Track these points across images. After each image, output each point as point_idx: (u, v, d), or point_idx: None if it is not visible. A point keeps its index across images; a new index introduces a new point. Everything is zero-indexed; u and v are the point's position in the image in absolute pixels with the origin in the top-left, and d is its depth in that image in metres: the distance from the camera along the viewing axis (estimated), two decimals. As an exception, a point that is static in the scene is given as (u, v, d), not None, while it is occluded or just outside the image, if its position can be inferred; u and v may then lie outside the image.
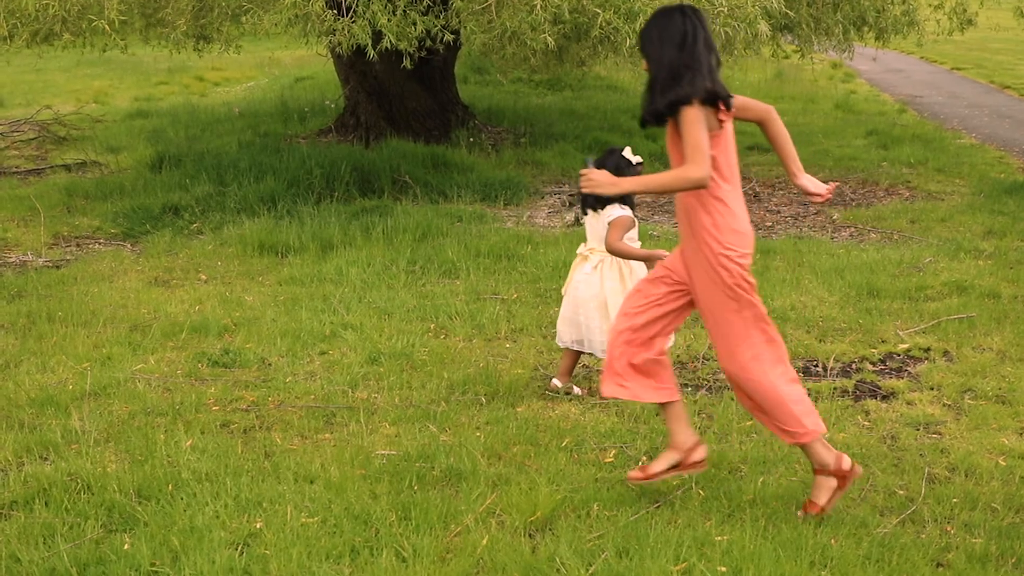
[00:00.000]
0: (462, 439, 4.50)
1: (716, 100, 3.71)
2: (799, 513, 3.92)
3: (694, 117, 3.65)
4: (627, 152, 5.06)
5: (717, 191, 3.78)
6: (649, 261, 5.03)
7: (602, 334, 5.02)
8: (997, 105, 16.98)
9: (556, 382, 5.20)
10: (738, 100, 3.88)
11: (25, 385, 5.08)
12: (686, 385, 5.29)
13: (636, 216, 5.11)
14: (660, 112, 3.73)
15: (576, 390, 5.20)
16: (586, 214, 5.13)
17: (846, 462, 3.92)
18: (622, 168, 4.99)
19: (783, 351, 4.00)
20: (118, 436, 4.51)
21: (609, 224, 5.01)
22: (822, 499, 3.91)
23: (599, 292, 5.10)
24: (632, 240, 5.06)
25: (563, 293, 5.28)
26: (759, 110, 4.03)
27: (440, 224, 8.23)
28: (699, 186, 3.70)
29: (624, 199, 5.03)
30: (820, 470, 3.93)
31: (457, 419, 4.77)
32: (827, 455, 3.93)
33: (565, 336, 5.22)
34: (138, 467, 4.17)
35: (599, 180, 3.82)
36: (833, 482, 3.91)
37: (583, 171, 3.88)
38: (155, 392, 5.05)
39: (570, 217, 9.08)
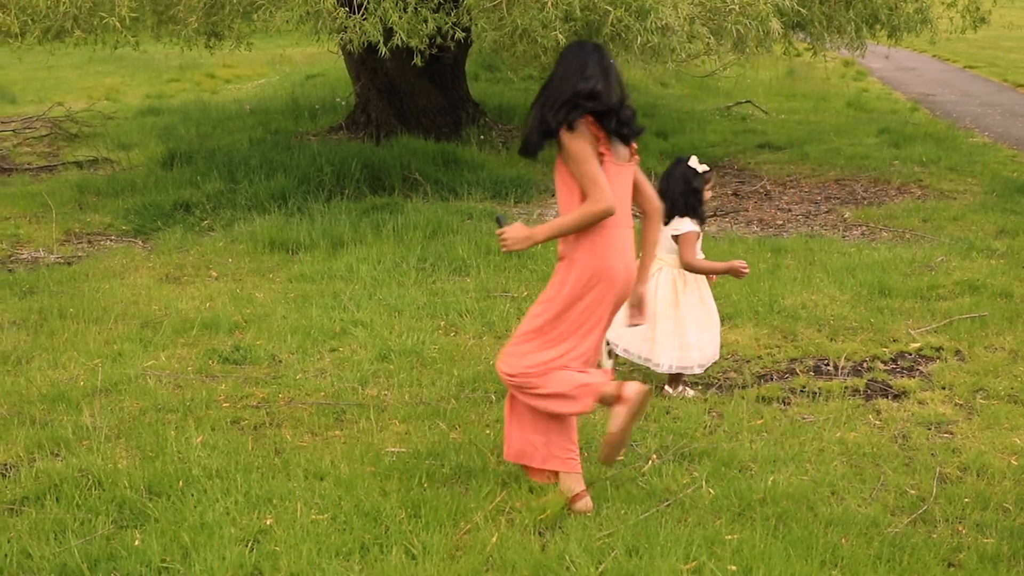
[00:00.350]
0: (472, 437, 4.50)
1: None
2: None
3: (583, 152, 3.67)
4: (693, 161, 5.03)
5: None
6: (731, 273, 5.03)
7: (644, 342, 5.06)
8: (1010, 103, 16.90)
9: (668, 389, 5.18)
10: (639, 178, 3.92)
11: (37, 381, 5.10)
12: (696, 383, 5.28)
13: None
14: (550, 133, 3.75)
15: (689, 392, 5.16)
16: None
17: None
18: (688, 179, 4.99)
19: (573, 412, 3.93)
20: (129, 432, 4.52)
21: (678, 241, 5.02)
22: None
23: (675, 305, 5.06)
24: (698, 252, 5.08)
25: None
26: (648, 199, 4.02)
27: (450, 221, 8.23)
28: (607, 216, 3.72)
29: (699, 208, 5.01)
30: None
31: (467, 416, 4.77)
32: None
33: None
34: (149, 463, 4.18)
35: (514, 238, 3.80)
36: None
37: (498, 232, 3.85)
38: (166, 389, 5.06)
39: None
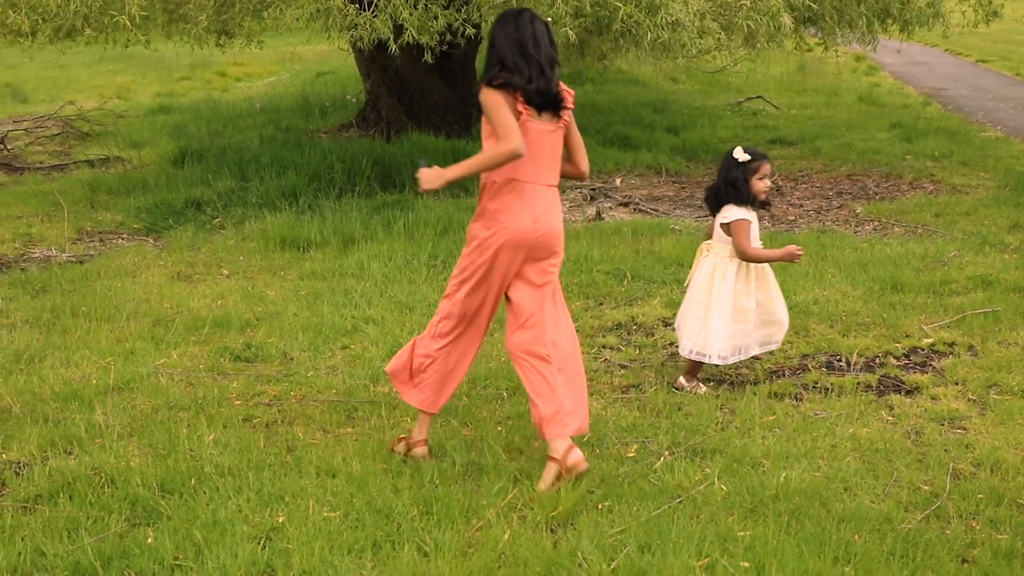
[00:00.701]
0: (483, 433, 4.50)
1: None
2: None
3: (494, 101, 3.91)
4: (737, 151, 5.03)
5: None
6: (786, 259, 5.02)
7: (700, 335, 5.06)
8: (1023, 97, 16.82)
9: (682, 380, 5.16)
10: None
11: (49, 380, 5.11)
12: (708, 379, 5.27)
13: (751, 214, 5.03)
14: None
15: (702, 388, 5.13)
16: (712, 215, 5.13)
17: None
18: (729, 167, 4.98)
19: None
20: (141, 430, 4.53)
21: (730, 229, 5.00)
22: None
23: (708, 292, 5.08)
24: (755, 240, 5.05)
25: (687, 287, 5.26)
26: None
27: (461, 218, 8.22)
28: (515, 156, 3.89)
29: (742, 197, 4.98)
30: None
31: (479, 413, 4.77)
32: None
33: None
34: (161, 461, 4.19)
35: (427, 177, 4.03)
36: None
37: (416, 174, 4.06)
38: (178, 386, 5.07)
39: (591, 211, 9.06)
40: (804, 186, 10.38)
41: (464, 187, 9.56)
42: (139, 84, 18.59)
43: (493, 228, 4.08)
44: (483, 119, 4.01)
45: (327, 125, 12.86)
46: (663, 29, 6.98)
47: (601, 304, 6.48)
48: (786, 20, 7.40)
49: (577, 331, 5.83)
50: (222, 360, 5.46)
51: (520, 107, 3.98)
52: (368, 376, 5.22)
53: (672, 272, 7.00)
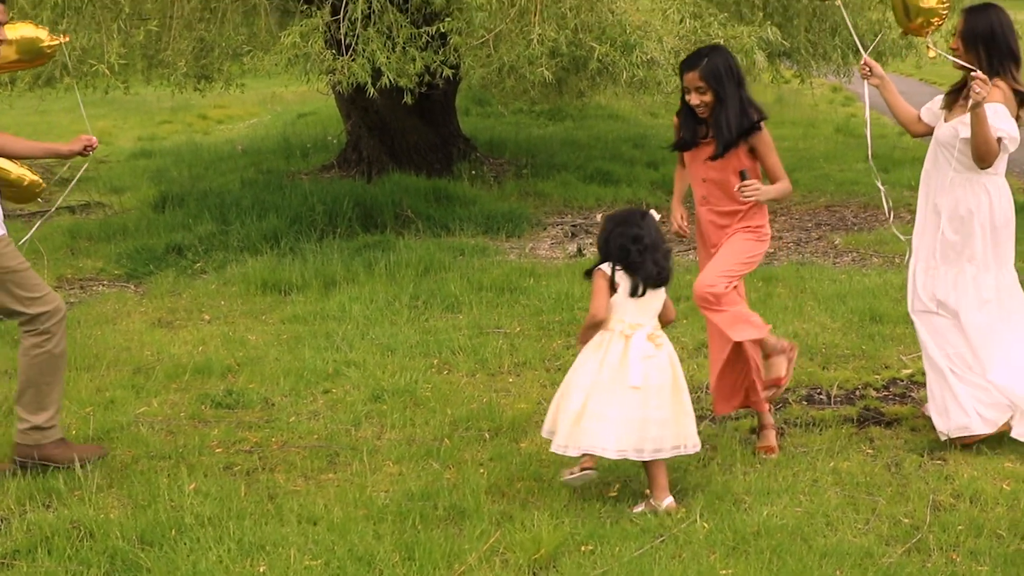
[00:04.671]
0: (465, 476, 4.49)
1: None
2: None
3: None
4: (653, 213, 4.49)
5: None
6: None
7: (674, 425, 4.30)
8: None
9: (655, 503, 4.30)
10: None
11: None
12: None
13: None
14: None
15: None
16: (643, 293, 4.30)
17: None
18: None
19: None
20: (121, 481, 4.51)
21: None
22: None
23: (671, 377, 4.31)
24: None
25: (596, 385, 4.25)
26: None
27: (442, 258, 8.24)
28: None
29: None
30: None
31: (460, 456, 4.76)
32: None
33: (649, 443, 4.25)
34: (141, 513, 4.17)
35: (759, 190, 4.63)
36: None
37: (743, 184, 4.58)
38: (158, 435, 5.05)
39: (572, 248, 9.09)
40: (783, 218, 10.44)
41: (446, 226, 9.58)
42: (120, 128, 18.61)
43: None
44: (756, 154, 4.69)
45: (308, 166, 12.89)
46: (639, 68, 7.05)
47: (582, 342, 6.49)
48: (759, 58, 7.50)
49: (559, 369, 5.86)
50: (203, 407, 5.45)
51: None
52: (350, 420, 5.22)
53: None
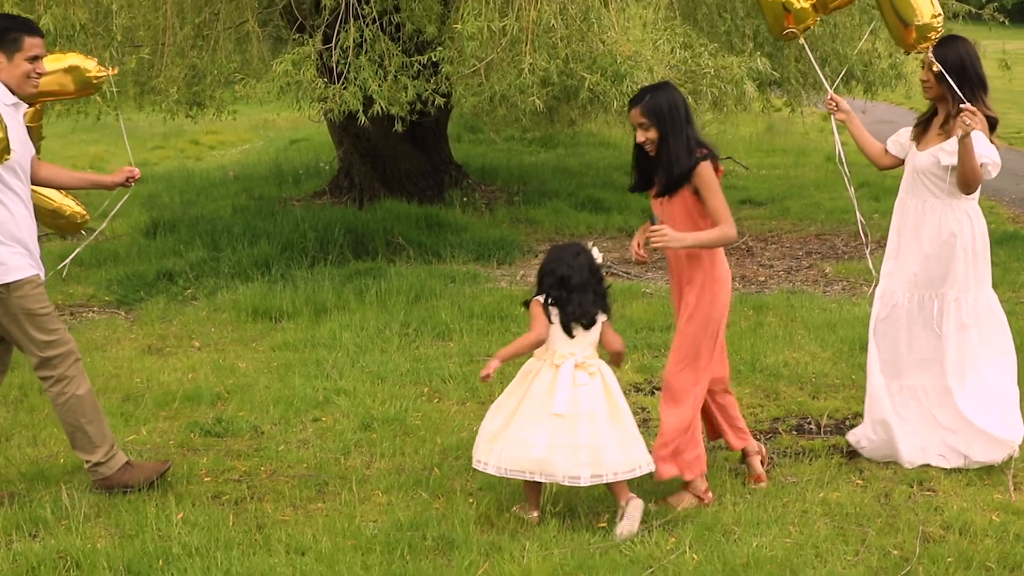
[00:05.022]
0: (454, 506, 4.48)
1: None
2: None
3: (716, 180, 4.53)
4: (595, 251, 4.55)
5: None
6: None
7: (619, 450, 4.34)
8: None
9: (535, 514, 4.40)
10: None
11: (16, 459, 5.07)
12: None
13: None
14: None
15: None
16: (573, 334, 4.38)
17: None
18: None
19: None
20: (108, 510, 4.49)
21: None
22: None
23: (606, 404, 4.37)
24: None
25: (520, 412, 4.34)
26: None
27: (433, 286, 8.25)
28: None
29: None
30: None
31: (450, 485, 4.75)
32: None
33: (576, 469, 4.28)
34: (128, 543, 4.15)
35: (670, 236, 4.41)
36: None
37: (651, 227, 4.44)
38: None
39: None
40: (774, 246, 10.48)
41: (437, 253, 9.59)
42: (112, 154, 18.61)
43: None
44: (688, 191, 4.48)
45: (300, 193, 12.91)
46: (629, 97, 7.07)
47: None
48: (749, 88, 7.54)
49: (548, 399, 5.85)
50: (192, 435, 5.43)
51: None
52: (339, 449, 5.20)
53: (643, 336, 7.03)
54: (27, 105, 4.73)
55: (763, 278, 9.16)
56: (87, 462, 4.67)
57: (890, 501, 4.57)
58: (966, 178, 4.73)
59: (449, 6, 8.51)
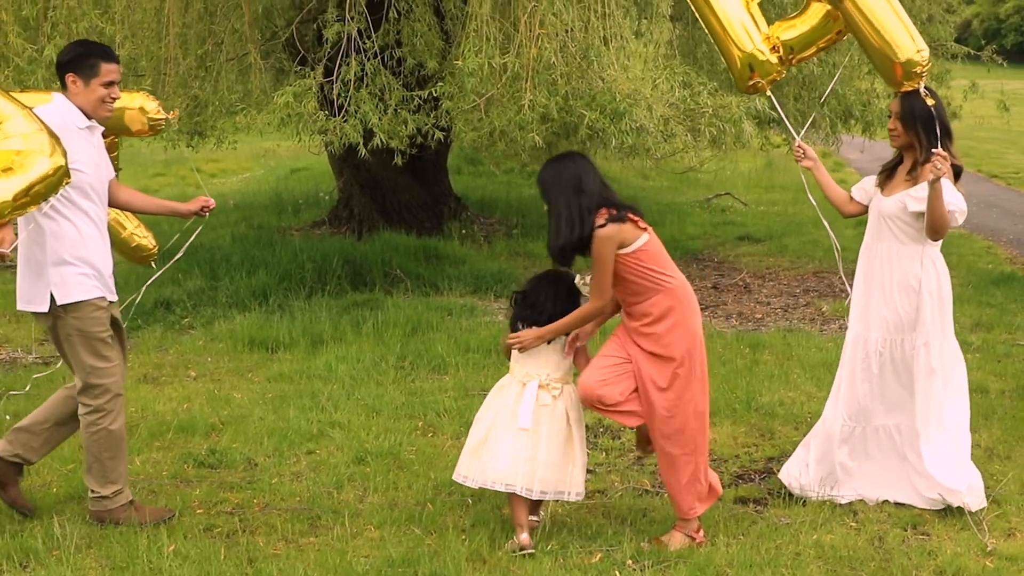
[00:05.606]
0: (447, 543, 4.47)
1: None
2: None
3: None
4: (578, 280, 4.74)
5: None
6: None
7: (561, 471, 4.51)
8: (984, 194, 17.16)
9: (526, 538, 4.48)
10: None
11: (9, 488, 5.05)
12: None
13: None
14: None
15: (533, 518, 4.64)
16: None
17: None
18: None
19: None
20: (100, 541, 4.47)
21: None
22: None
23: (565, 427, 4.54)
24: None
25: (494, 425, 4.54)
26: None
27: (430, 318, 8.26)
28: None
29: None
30: None
31: (443, 521, 4.74)
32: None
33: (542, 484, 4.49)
34: (119, 575, 4.13)
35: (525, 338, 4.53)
36: None
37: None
38: (140, 495, 5.01)
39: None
40: (771, 283, 10.50)
41: (435, 286, 9.60)
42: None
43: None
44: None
45: (300, 222, 12.94)
46: (627, 135, 7.14)
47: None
48: (747, 127, 7.60)
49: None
50: (185, 466, 5.42)
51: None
52: (332, 483, 5.19)
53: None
54: (102, 128, 4.84)
55: (760, 315, 9.17)
56: (93, 492, 4.67)
57: (884, 545, 4.56)
58: (935, 224, 4.79)
59: (450, 41, 8.58)
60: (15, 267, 4.70)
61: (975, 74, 12.86)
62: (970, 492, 4.85)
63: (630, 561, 4.34)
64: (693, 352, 4.47)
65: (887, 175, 5.11)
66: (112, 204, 4.94)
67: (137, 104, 5.29)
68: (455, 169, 15.66)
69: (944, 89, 12.01)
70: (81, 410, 4.68)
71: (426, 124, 8.09)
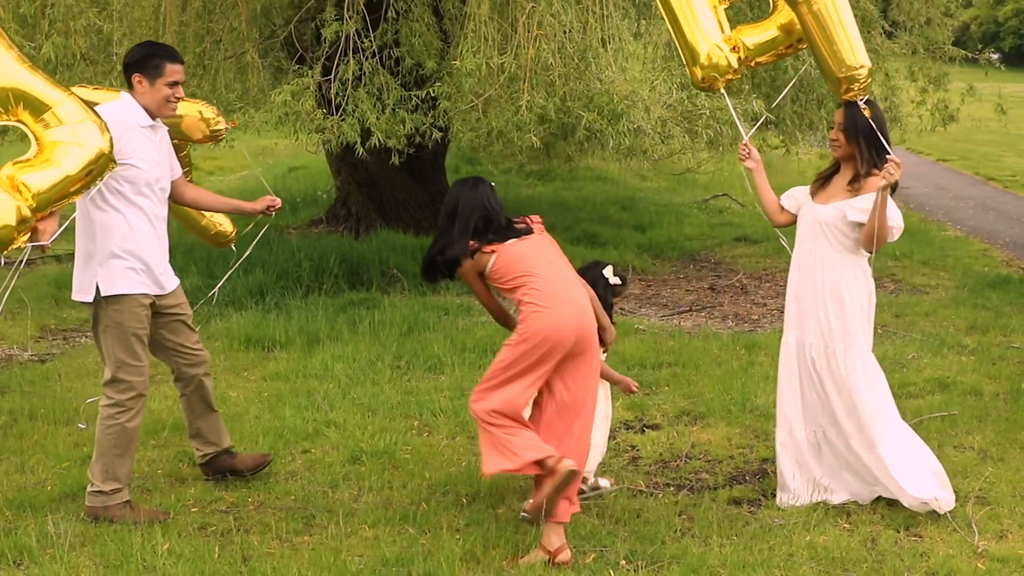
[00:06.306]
0: (440, 543, 4.48)
1: None
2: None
3: None
4: (608, 271, 5.06)
5: None
6: (622, 388, 5.12)
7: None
8: (982, 197, 17.19)
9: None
10: None
11: (3, 486, 5.06)
12: (668, 484, 5.28)
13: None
14: None
15: (604, 483, 5.12)
16: None
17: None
18: (596, 282, 5.02)
19: None
20: (94, 540, 4.48)
21: None
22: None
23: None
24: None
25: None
26: None
27: (426, 318, 8.27)
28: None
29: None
30: None
31: (437, 521, 4.74)
32: None
33: None
34: (112, 573, 4.15)
35: None
36: None
37: None
38: (135, 493, 5.01)
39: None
40: (768, 284, 10.50)
41: (431, 285, 9.60)
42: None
43: None
44: None
45: (297, 221, 12.94)
46: (625, 136, 7.15)
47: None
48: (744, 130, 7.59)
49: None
50: (180, 465, 5.43)
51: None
52: (327, 482, 5.20)
53: (635, 374, 7.01)
54: (165, 128, 4.96)
55: (756, 316, 9.18)
56: (92, 486, 4.71)
57: (876, 546, 4.57)
58: (875, 234, 4.81)
59: (449, 42, 8.59)
60: (60, 258, 4.85)
61: (973, 77, 12.88)
62: (941, 494, 4.83)
63: (623, 561, 4.35)
64: (541, 344, 4.44)
65: (820, 184, 5.11)
66: (180, 202, 5.16)
67: (196, 111, 5.37)
68: (453, 168, 15.66)
69: (942, 92, 12.03)
70: (103, 401, 4.77)
71: (424, 124, 8.10)
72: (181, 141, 5.48)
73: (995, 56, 12.46)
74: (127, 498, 4.74)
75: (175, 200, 5.09)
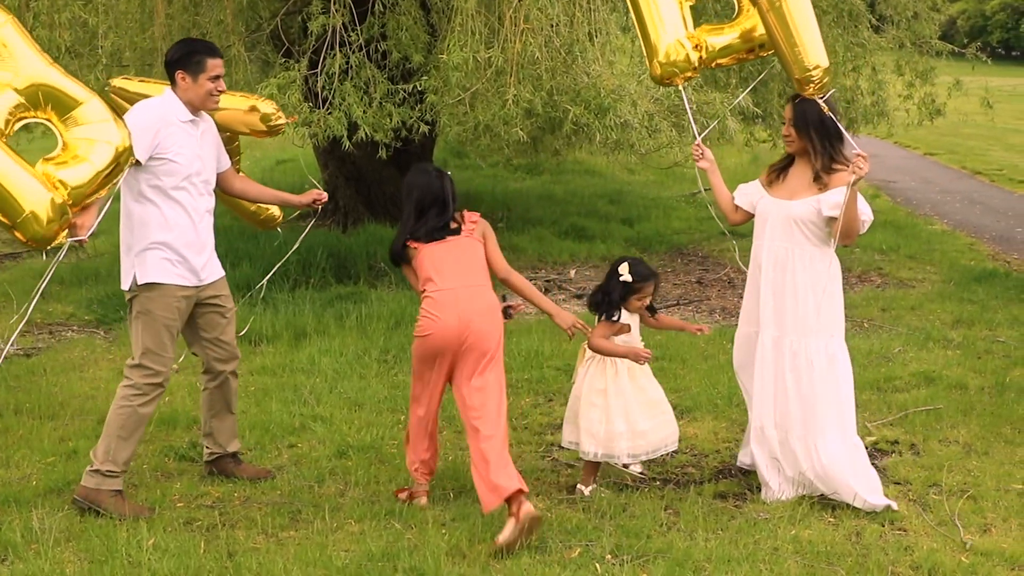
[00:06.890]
0: (426, 537, 4.48)
1: None
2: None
3: None
4: (623, 268, 5.06)
5: None
6: (631, 358, 5.03)
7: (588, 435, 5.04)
8: (968, 191, 17.25)
9: (581, 487, 5.10)
10: None
11: (-12, 481, 5.05)
12: (653, 479, 5.29)
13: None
14: None
15: (636, 469, 5.23)
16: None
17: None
18: (610, 279, 5.11)
19: None
20: (79, 535, 4.47)
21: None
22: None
23: (588, 390, 5.08)
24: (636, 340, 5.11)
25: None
26: None
27: (414, 312, 8.18)
28: None
29: (611, 310, 5.09)
30: None
31: (423, 516, 4.75)
32: None
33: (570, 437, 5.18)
34: (97, 568, 4.13)
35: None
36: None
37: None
38: (120, 487, 5.01)
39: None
40: (755, 279, 10.50)
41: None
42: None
43: None
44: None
45: (285, 214, 12.88)
46: (612, 130, 7.15)
47: (551, 400, 6.51)
48: (731, 124, 7.62)
49: (525, 428, 5.88)
50: (166, 460, 5.42)
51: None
52: (314, 477, 5.19)
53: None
54: (210, 121, 5.04)
55: (743, 311, 9.18)
56: (92, 464, 4.75)
57: (861, 540, 4.59)
58: (847, 228, 4.83)
59: (436, 35, 8.57)
60: (45, 253, 4.94)
61: (960, 71, 12.90)
62: (868, 491, 4.87)
63: (609, 556, 4.36)
64: (424, 348, 4.84)
65: (778, 176, 5.11)
66: (228, 193, 5.32)
67: (255, 105, 5.38)
68: (441, 162, 15.64)
69: (929, 86, 12.06)
70: (123, 382, 4.83)
71: (411, 117, 8.09)
72: (232, 134, 5.48)
73: (983, 52, 12.43)
74: (119, 487, 4.74)
75: (223, 191, 5.25)
